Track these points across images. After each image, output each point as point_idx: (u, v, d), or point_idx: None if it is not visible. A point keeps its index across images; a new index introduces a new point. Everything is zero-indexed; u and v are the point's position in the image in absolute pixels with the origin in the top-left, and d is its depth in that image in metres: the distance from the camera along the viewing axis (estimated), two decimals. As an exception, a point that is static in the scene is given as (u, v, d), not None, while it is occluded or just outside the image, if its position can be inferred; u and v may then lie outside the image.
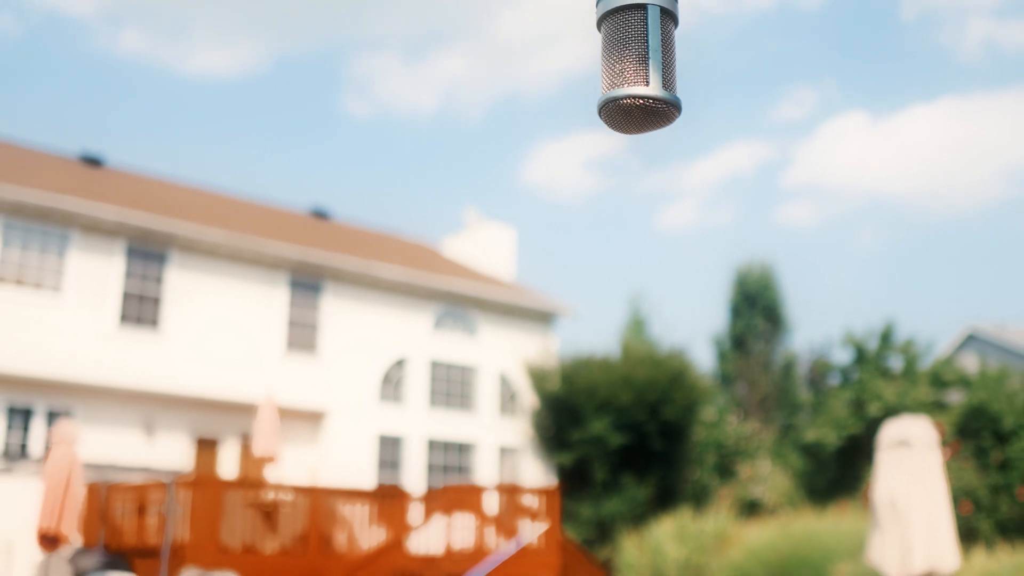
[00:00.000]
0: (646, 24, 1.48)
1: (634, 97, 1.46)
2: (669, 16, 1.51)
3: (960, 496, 12.88)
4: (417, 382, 19.13)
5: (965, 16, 46.55)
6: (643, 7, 1.48)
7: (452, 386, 19.70)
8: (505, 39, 46.88)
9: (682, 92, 1.52)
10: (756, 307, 27.97)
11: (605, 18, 1.52)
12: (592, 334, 56.08)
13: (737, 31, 48.45)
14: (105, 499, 14.03)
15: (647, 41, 1.47)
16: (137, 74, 44.09)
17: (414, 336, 19.27)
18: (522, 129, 55.06)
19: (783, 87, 50.29)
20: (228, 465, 17.09)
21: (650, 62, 1.47)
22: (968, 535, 12.47)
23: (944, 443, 14.15)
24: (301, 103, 52.20)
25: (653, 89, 1.46)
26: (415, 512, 15.46)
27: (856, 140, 47.46)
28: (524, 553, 13.77)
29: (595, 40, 1.56)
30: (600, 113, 1.52)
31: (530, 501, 14.28)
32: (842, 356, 22.02)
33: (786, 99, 49.80)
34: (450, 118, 53.27)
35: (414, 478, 18.62)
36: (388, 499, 14.16)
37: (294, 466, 17.30)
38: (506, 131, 54.87)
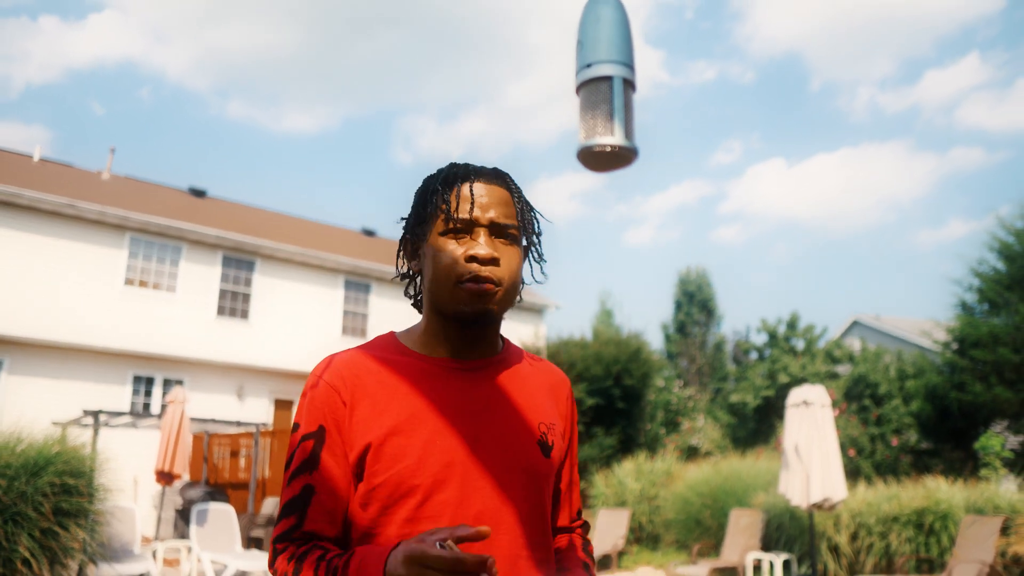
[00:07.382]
0: (612, 91, 1.49)
1: (603, 145, 1.47)
2: (629, 84, 1.52)
3: (847, 444, 12.89)
4: (441, 358, 19.12)
5: (856, 86, 46.63)
6: (609, 78, 1.49)
7: (467, 361, 19.67)
8: (513, 105, 47.58)
9: (644, 144, 1.53)
10: (694, 302, 27.93)
11: (582, 86, 1.53)
12: (572, 322, 56.05)
13: (686, 98, 48.59)
14: (207, 446, 14.03)
15: (612, 103, 1.48)
16: (240, 132, 44.66)
17: (438, 324, 19.26)
18: (525, 171, 54.81)
19: (720, 140, 50.34)
20: (299, 420, 17.07)
21: (615, 119, 1.48)
22: (852, 473, 12.48)
23: (834, 404, 14.14)
24: (360, 152, 52.36)
25: (617, 139, 1.47)
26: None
27: (774, 180, 47.73)
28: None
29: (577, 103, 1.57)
30: (577, 157, 1.53)
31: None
32: (759, 339, 21.99)
33: (722, 149, 49.86)
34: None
35: (438, 430, 18.62)
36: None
37: (349, 421, 17.28)
38: (512, 172, 54.80)
